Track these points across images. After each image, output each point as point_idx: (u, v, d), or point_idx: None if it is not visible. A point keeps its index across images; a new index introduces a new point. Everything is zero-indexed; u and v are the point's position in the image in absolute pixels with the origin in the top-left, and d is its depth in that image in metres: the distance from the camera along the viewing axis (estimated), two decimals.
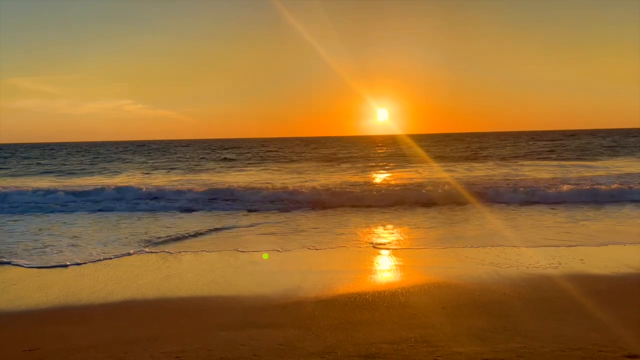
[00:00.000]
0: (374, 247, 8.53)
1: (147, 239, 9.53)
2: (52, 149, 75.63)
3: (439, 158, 34.15)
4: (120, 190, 15.00)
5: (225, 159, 39.86)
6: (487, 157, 34.77)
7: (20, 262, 7.80)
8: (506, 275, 6.34)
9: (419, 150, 44.76)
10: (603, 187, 13.78)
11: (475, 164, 28.78)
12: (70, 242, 9.40)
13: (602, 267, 6.62)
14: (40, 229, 10.84)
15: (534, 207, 12.36)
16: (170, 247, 8.69)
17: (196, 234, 9.91)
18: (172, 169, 30.60)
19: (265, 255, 6.77)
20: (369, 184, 18.92)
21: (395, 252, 8.10)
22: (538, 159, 31.73)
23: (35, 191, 15.72)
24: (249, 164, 34.11)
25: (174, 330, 4.64)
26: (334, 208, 12.75)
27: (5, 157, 49.66)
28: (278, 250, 8.29)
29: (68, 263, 7.60)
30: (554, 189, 13.43)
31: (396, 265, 7.23)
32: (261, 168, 29.87)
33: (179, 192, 14.66)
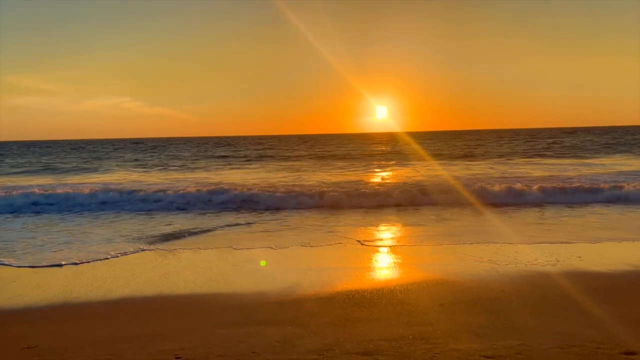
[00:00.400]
0: (371, 245, 8.54)
1: (144, 237, 9.53)
2: (49, 147, 75.47)
3: (437, 156, 34.11)
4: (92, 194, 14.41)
5: (222, 156, 39.82)
6: (484, 154, 34.78)
7: (14, 261, 7.79)
8: (504, 272, 6.35)
9: (417, 148, 44.78)
10: (602, 185, 13.79)
11: (472, 162, 28.80)
12: (68, 240, 9.40)
13: (600, 265, 6.63)
14: (36, 227, 10.83)
15: (529, 204, 12.38)
16: (168, 245, 8.69)
17: (193, 233, 9.91)
18: (168, 166, 30.56)
19: (262, 262, 6.75)
20: (367, 182, 18.92)
21: (393, 249, 8.10)
22: (535, 156, 31.76)
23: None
24: (246, 161, 34.11)
25: (172, 328, 4.63)
26: (330, 208, 12.65)
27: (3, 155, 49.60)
28: (275, 248, 8.29)
29: (64, 262, 7.58)
30: (548, 187, 13.46)
31: (394, 262, 7.23)
32: (258, 166, 29.86)
33: (175, 192, 14.61)
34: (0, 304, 5.67)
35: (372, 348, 3.88)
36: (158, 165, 31.51)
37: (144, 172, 27.20)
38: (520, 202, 12.43)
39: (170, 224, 10.85)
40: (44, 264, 7.46)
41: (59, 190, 15.05)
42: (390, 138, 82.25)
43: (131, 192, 14.33)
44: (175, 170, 28.01)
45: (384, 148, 47.84)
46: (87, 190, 14.63)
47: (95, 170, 28.65)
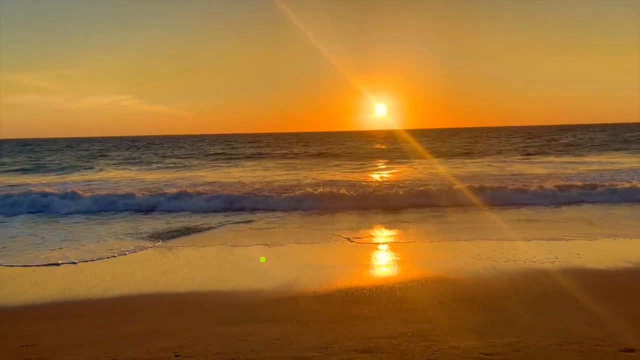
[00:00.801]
0: (368, 242, 8.54)
1: (143, 236, 9.52)
2: (40, 145, 75.31)
3: (435, 154, 34.14)
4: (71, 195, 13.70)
5: (218, 154, 39.73)
6: (482, 152, 34.79)
7: (14, 261, 7.78)
8: (503, 269, 6.35)
9: (415, 146, 44.76)
10: (598, 183, 13.80)
11: (471, 160, 28.81)
12: (66, 239, 9.38)
13: (598, 262, 6.64)
14: (35, 225, 10.82)
15: (525, 203, 12.38)
16: (166, 244, 8.68)
17: (191, 232, 9.91)
18: (164, 165, 30.52)
19: (262, 259, 6.73)
20: (365, 181, 18.93)
21: (391, 247, 8.11)
22: (534, 154, 31.78)
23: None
24: (244, 159, 34.07)
25: (171, 326, 4.63)
26: (325, 208, 12.42)
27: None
28: (272, 246, 8.29)
29: (60, 262, 7.57)
30: (545, 185, 13.47)
31: (393, 260, 7.23)
32: (254, 164, 29.82)
33: (172, 190, 14.53)
34: None
35: (371, 345, 3.88)
36: (146, 164, 31.48)
37: (138, 170, 27.17)
38: (516, 201, 12.35)
39: (166, 224, 10.83)
40: (42, 263, 7.45)
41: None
42: (389, 135, 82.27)
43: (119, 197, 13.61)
44: (172, 168, 28.00)
45: (382, 146, 47.84)
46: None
47: (80, 169, 28.40)
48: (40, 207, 12.91)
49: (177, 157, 37.98)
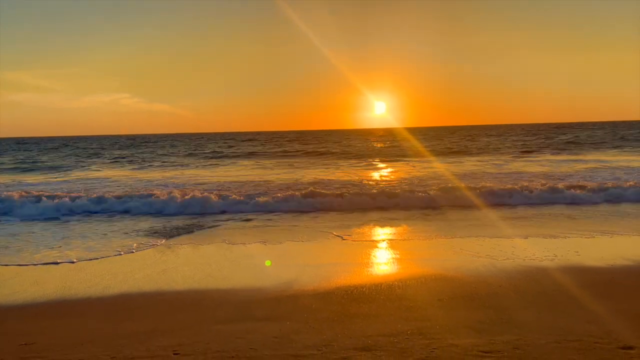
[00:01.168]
0: (366, 240, 8.55)
1: (142, 234, 9.53)
2: (38, 144, 75.25)
3: (433, 152, 34.10)
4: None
5: (215, 152, 39.61)
6: (481, 150, 34.79)
7: (13, 260, 7.78)
8: (502, 267, 6.36)
9: (413, 144, 44.73)
10: (597, 183, 13.76)
11: (469, 158, 28.81)
12: (64, 238, 9.38)
13: (597, 259, 6.64)
14: (34, 224, 10.82)
15: (522, 201, 12.38)
16: (166, 242, 8.68)
17: (189, 231, 9.91)
18: (160, 164, 30.47)
19: (267, 262, 6.72)
20: (365, 181, 18.93)
21: (390, 245, 8.11)
22: (532, 152, 31.77)
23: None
24: (240, 157, 34.03)
25: (170, 324, 4.63)
26: (319, 210, 12.03)
27: None
28: (272, 245, 8.30)
29: (59, 260, 7.57)
30: (539, 185, 13.44)
31: (392, 258, 7.23)
32: (253, 162, 29.80)
33: (169, 191, 14.44)
34: None
35: (371, 343, 3.88)
36: (137, 163, 31.45)
37: (133, 169, 27.15)
38: (511, 200, 12.23)
39: (163, 223, 10.83)
40: (43, 261, 7.45)
41: None
42: (389, 134, 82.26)
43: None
44: (168, 167, 27.96)
45: (381, 144, 47.80)
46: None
47: (71, 168, 28.27)
48: None
49: (171, 155, 37.79)
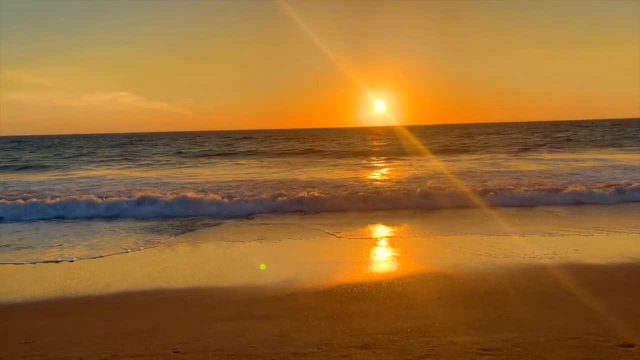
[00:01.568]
0: (365, 239, 8.55)
1: (142, 233, 9.53)
2: (29, 143, 75.19)
3: (432, 150, 34.07)
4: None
5: (214, 151, 39.43)
6: (480, 148, 34.79)
7: (13, 259, 7.78)
8: (502, 265, 6.36)
9: (412, 142, 44.73)
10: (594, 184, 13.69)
11: (467, 156, 28.81)
12: (64, 237, 9.39)
13: (597, 257, 6.65)
14: (32, 222, 10.82)
15: (519, 202, 12.38)
16: (165, 240, 8.69)
17: (188, 229, 9.91)
18: (153, 163, 30.42)
19: (263, 266, 6.71)
20: (363, 180, 18.92)
21: (390, 243, 8.12)
22: (530, 151, 31.77)
23: None
24: (239, 156, 33.99)
25: (170, 323, 4.63)
26: (319, 212, 11.63)
27: None
28: (272, 243, 8.30)
29: (59, 259, 7.57)
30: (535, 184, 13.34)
31: (391, 256, 7.24)
32: (252, 161, 29.75)
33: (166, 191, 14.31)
34: None
35: (370, 341, 3.88)
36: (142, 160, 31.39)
37: (130, 168, 27.13)
38: (508, 200, 12.08)
39: (160, 222, 10.83)
40: (42, 259, 7.45)
41: None
42: (388, 132, 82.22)
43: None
44: (165, 166, 27.92)
45: (379, 143, 47.75)
46: None
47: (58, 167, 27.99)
48: None
49: (168, 154, 37.62)
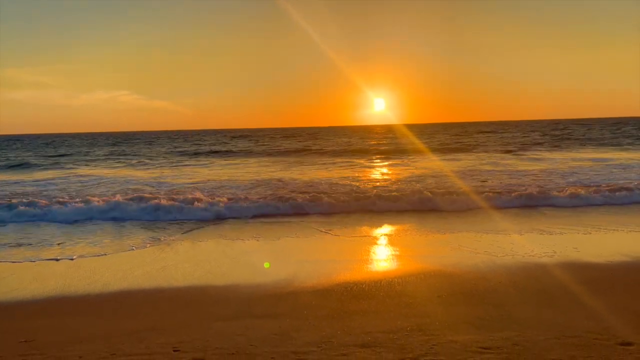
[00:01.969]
0: (364, 237, 8.55)
1: (142, 232, 9.53)
2: (26, 141, 75.16)
3: (430, 149, 34.01)
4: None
5: (214, 151, 39.26)
6: (478, 147, 34.78)
7: (12, 257, 7.78)
8: (501, 264, 6.36)
9: (411, 141, 44.68)
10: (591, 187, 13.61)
11: (465, 156, 28.81)
12: (64, 235, 9.38)
13: (596, 255, 6.65)
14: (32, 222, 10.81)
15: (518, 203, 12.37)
16: (165, 239, 8.69)
17: (188, 228, 9.92)
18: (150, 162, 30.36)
19: (266, 264, 6.70)
20: (363, 180, 18.90)
21: (389, 242, 8.12)
22: (529, 149, 31.77)
23: None
24: (238, 155, 33.95)
25: (170, 321, 4.63)
26: (319, 213, 11.39)
27: None
28: (272, 242, 8.31)
29: (59, 257, 7.57)
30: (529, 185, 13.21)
31: (391, 254, 7.24)
32: (251, 160, 29.69)
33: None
34: None
35: (370, 340, 3.88)
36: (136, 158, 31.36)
37: (123, 167, 27.11)
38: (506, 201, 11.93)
39: (157, 221, 10.83)
40: (42, 258, 7.44)
41: None
42: (387, 130, 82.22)
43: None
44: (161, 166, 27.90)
45: (379, 141, 47.73)
46: None
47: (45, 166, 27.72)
48: None
49: (166, 153, 37.43)
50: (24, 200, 12.10)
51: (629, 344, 3.69)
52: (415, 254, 7.22)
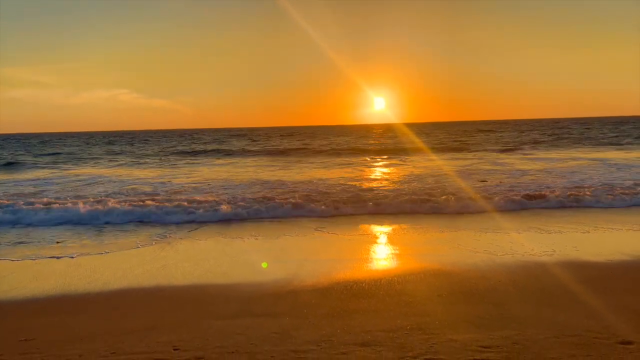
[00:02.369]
0: (366, 236, 8.55)
1: (142, 230, 9.53)
2: (22, 140, 75.09)
3: (430, 147, 34.01)
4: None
5: (212, 150, 39.11)
6: (477, 146, 34.78)
7: (12, 256, 7.77)
8: (501, 262, 6.37)
9: (410, 140, 44.67)
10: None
11: (465, 155, 28.80)
12: (64, 234, 9.37)
13: (596, 254, 6.66)
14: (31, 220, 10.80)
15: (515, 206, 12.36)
16: (165, 238, 8.68)
17: (186, 228, 9.91)
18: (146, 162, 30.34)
19: (264, 264, 6.68)
20: (362, 179, 18.90)
21: (388, 241, 8.12)
22: (526, 148, 31.76)
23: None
24: (237, 155, 33.94)
25: (170, 320, 4.63)
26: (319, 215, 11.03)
27: None
28: (271, 240, 8.31)
29: (59, 256, 7.57)
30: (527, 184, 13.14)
31: (391, 253, 7.24)
32: (250, 160, 29.68)
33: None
34: None
35: (370, 339, 3.89)
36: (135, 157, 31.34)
37: (118, 166, 27.08)
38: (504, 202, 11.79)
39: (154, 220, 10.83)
40: (41, 256, 7.44)
41: None
42: (387, 129, 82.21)
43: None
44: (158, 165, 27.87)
45: (378, 141, 47.71)
46: None
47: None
48: None
49: (163, 152, 37.32)
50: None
51: (629, 342, 3.70)
52: (414, 253, 7.22)
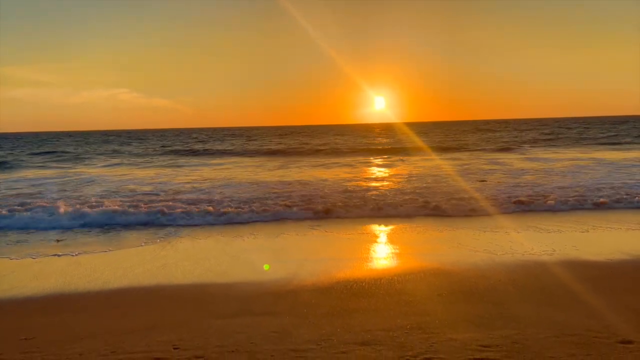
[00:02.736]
0: (366, 235, 8.55)
1: (142, 230, 9.53)
2: (20, 139, 75.04)
3: (430, 146, 33.99)
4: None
5: (208, 149, 38.98)
6: (476, 145, 34.78)
7: (13, 254, 7.77)
8: (501, 262, 6.37)
9: (409, 140, 44.66)
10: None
11: (463, 154, 28.80)
12: (64, 233, 9.37)
13: (596, 254, 6.66)
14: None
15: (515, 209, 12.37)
16: (165, 237, 8.69)
17: (186, 227, 9.91)
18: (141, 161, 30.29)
19: (266, 266, 6.66)
20: (362, 179, 18.89)
21: (388, 240, 8.12)
22: (525, 147, 31.75)
23: None
24: (236, 155, 33.93)
25: (170, 319, 4.64)
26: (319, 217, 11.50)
27: None
28: (271, 240, 8.31)
29: (60, 253, 7.57)
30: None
31: (391, 253, 7.24)
32: (248, 159, 29.67)
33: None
34: None
35: (370, 338, 3.89)
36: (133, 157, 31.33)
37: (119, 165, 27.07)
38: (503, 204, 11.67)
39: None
40: (42, 255, 7.44)
41: None
42: (387, 129, 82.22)
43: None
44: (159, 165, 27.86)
45: (378, 140, 47.68)
46: None
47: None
48: None
49: (161, 152, 37.21)
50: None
51: (629, 342, 3.70)
52: (414, 252, 7.23)
